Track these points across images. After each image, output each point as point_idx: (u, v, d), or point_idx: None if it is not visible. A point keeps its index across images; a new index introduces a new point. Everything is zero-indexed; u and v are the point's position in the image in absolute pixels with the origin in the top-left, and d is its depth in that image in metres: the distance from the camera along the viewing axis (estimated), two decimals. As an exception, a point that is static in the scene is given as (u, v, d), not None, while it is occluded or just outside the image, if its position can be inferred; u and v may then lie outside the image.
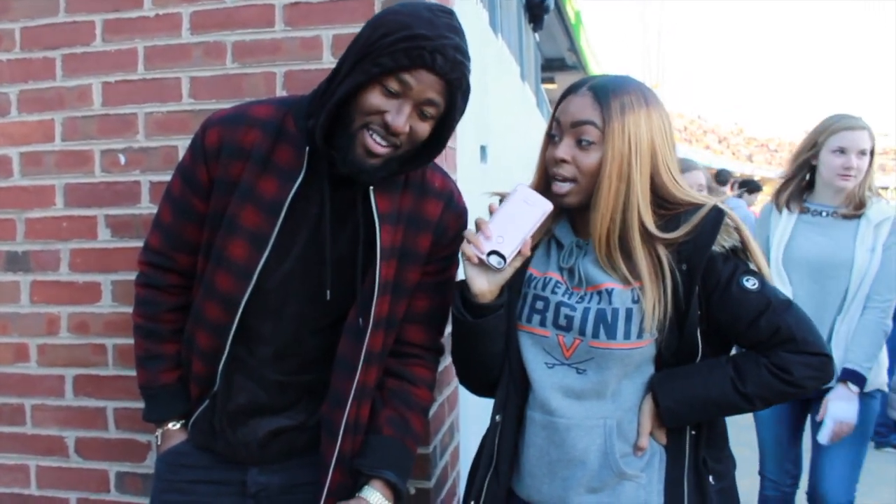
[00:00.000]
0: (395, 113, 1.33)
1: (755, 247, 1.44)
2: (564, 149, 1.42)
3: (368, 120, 1.34)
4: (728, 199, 7.72)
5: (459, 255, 1.46)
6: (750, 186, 8.57)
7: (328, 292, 1.45)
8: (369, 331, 1.45)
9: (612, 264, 1.42)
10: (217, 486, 1.55)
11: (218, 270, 1.46)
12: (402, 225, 1.47)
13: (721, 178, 8.00)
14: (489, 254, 1.38)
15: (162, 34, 1.96)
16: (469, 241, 1.40)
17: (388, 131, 1.34)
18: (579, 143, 1.41)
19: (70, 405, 2.08)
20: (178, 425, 1.59)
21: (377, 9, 1.82)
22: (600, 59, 15.16)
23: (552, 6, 7.34)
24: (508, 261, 1.38)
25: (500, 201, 1.43)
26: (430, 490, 1.91)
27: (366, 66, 1.31)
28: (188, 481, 1.56)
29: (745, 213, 7.74)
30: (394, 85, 1.32)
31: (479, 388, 1.60)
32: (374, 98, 1.33)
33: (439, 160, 1.71)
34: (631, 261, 1.41)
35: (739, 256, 1.43)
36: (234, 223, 1.44)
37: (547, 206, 1.40)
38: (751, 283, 1.40)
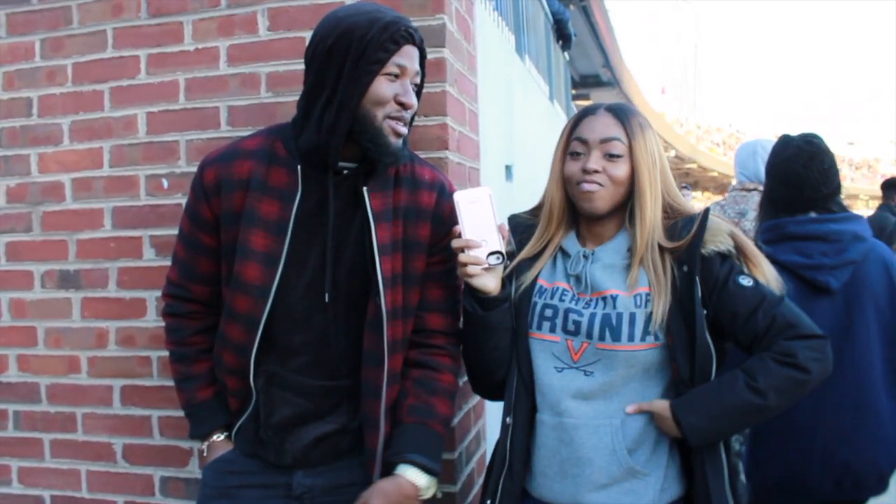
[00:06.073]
0: (404, 93, 1.50)
1: (751, 248, 1.54)
2: (595, 161, 1.55)
3: (387, 109, 1.48)
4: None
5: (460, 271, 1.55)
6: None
7: (326, 295, 1.55)
8: (385, 322, 1.54)
9: (652, 264, 1.52)
10: (264, 490, 1.63)
11: (236, 293, 1.56)
12: (400, 219, 1.58)
13: None
14: (488, 256, 1.52)
15: (201, 66, 2.07)
16: (466, 263, 1.51)
17: (404, 109, 1.50)
18: (607, 156, 1.55)
19: (118, 414, 2.18)
20: (221, 437, 1.68)
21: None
22: (635, 75, 15.09)
23: (573, 35, 7.42)
24: (503, 250, 1.53)
25: (456, 215, 1.53)
26: (456, 494, 1.97)
27: (366, 67, 1.45)
28: (235, 486, 1.64)
29: None
30: (394, 70, 1.48)
31: (486, 389, 1.70)
32: (384, 88, 1.48)
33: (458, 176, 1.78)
34: (648, 264, 1.53)
35: (735, 259, 1.53)
36: (246, 248, 1.54)
37: (486, 190, 1.55)
38: (746, 281, 1.51)
